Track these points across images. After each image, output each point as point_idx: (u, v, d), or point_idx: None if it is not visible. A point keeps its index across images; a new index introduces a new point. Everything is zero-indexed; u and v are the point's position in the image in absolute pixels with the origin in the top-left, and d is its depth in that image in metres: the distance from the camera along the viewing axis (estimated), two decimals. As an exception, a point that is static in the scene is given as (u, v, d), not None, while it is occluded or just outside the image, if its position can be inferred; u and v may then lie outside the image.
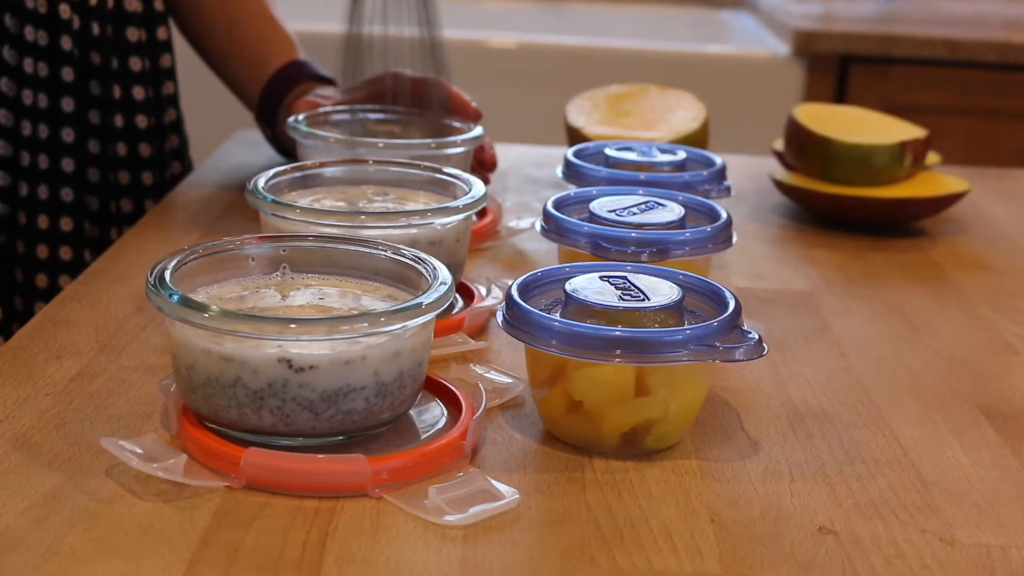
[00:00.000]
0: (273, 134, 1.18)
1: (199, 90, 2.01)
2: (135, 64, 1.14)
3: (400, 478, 0.64)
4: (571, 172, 0.99)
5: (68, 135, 1.09)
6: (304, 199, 0.87)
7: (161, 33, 1.16)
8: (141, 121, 1.14)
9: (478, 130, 1.02)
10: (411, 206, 0.88)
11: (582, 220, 0.86)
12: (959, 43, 2.24)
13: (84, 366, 0.76)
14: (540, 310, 0.69)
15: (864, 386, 0.80)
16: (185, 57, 1.25)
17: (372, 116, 1.09)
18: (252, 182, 0.84)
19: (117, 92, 1.13)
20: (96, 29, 1.10)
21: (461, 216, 0.83)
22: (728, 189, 0.98)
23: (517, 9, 2.73)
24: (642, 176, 0.97)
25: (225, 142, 1.33)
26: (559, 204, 0.89)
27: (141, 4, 1.14)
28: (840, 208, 1.13)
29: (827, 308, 0.94)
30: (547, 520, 0.62)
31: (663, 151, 1.03)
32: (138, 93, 1.14)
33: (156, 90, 1.17)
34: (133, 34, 1.13)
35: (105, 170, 1.13)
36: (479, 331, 0.85)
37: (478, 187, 0.86)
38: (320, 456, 0.64)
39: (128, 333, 0.82)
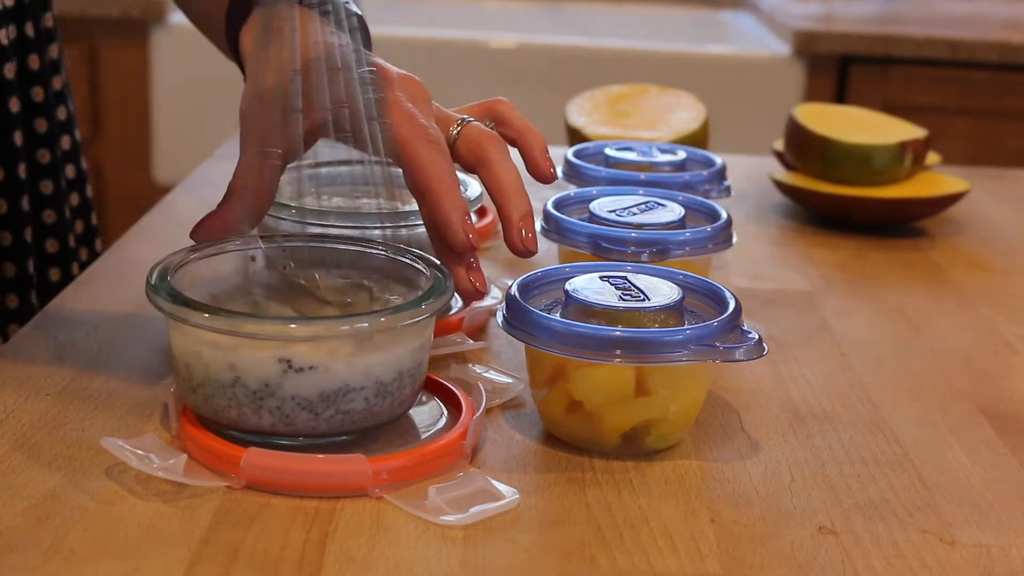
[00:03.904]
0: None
1: (199, 89, 2.02)
2: None
3: (400, 478, 0.64)
4: (571, 172, 0.99)
5: None
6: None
7: (31, 29, 0.99)
8: None
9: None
10: (409, 207, 0.88)
11: (582, 220, 0.86)
12: (959, 43, 2.24)
13: (84, 366, 0.76)
14: (540, 310, 0.69)
15: (864, 386, 0.80)
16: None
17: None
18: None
19: None
20: None
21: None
22: (728, 189, 0.98)
23: (517, 9, 2.73)
24: (642, 176, 0.97)
25: (225, 142, 1.33)
26: (559, 204, 0.89)
27: None
28: (840, 208, 1.13)
29: (827, 308, 0.94)
30: (547, 520, 0.62)
31: (663, 151, 1.03)
32: None
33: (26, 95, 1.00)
34: None
35: None
36: (479, 331, 0.85)
37: (474, 187, 0.86)
38: (320, 456, 0.64)
39: (128, 333, 0.82)
